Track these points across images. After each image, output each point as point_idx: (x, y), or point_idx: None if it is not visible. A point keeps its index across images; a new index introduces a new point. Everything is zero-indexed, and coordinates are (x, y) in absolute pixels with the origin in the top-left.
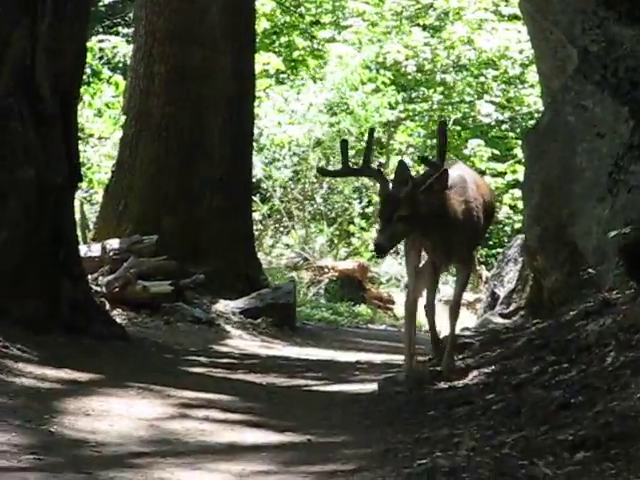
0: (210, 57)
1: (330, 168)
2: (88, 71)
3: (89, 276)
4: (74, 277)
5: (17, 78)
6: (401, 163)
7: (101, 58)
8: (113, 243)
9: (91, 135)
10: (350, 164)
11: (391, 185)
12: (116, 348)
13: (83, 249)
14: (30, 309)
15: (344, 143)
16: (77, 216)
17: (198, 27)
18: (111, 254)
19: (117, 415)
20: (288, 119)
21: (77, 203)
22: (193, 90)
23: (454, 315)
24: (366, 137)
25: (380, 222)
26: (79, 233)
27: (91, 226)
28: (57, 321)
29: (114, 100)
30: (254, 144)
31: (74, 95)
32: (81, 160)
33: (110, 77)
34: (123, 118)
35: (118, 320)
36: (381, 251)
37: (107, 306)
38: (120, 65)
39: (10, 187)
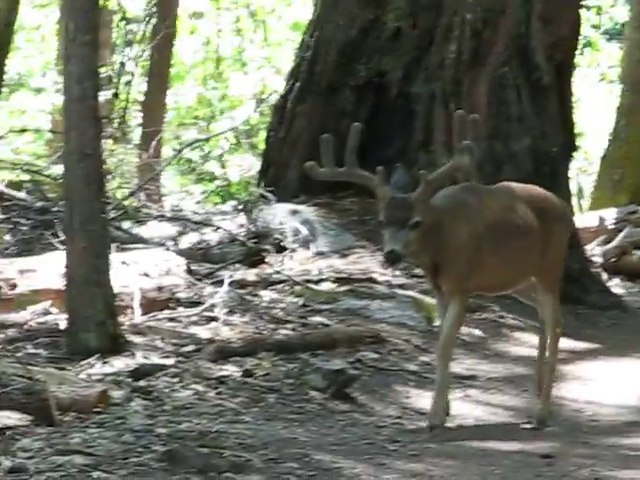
0: None
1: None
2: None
3: (585, 246)
4: (569, 247)
5: (512, 47)
6: (399, 168)
7: (595, 27)
8: (609, 213)
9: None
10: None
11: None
12: (613, 318)
13: (579, 219)
14: None
15: (325, 140)
16: (573, 186)
17: None
18: (607, 224)
19: (613, 384)
20: None
21: (573, 173)
22: None
23: (440, 358)
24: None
25: (389, 230)
26: (575, 203)
27: (587, 196)
28: None
29: (609, 70)
30: None
31: (569, 64)
32: (577, 130)
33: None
34: (620, 87)
35: (615, 290)
36: (396, 259)
37: (604, 276)
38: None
39: (505, 157)
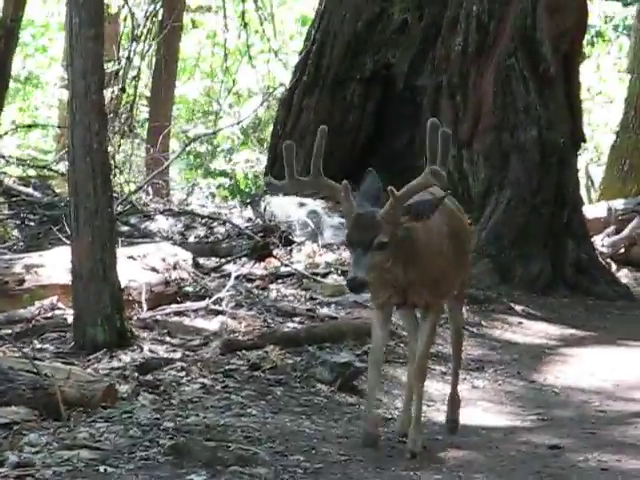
0: None
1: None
2: (592, 31)
3: (594, 237)
4: (578, 238)
5: (518, 38)
6: (370, 173)
7: (606, 18)
8: (618, 204)
9: (599, 93)
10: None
11: (356, 202)
12: (621, 308)
13: (588, 210)
14: (534, 270)
15: (289, 148)
16: (582, 177)
17: None
18: (616, 215)
19: (621, 375)
20: None
21: (582, 164)
22: None
23: (419, 377)
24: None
25: (354, 252)
26: (584, 194)
27: (596, 187)
28: (561, 282)
29: (619, 60)
30: None
31: (576, 54)
32: (587, 121)
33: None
34: (628, 78)
35: (624, 281)
36: (360, 286)
37: (612, 267)
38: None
39: (513, 148)
